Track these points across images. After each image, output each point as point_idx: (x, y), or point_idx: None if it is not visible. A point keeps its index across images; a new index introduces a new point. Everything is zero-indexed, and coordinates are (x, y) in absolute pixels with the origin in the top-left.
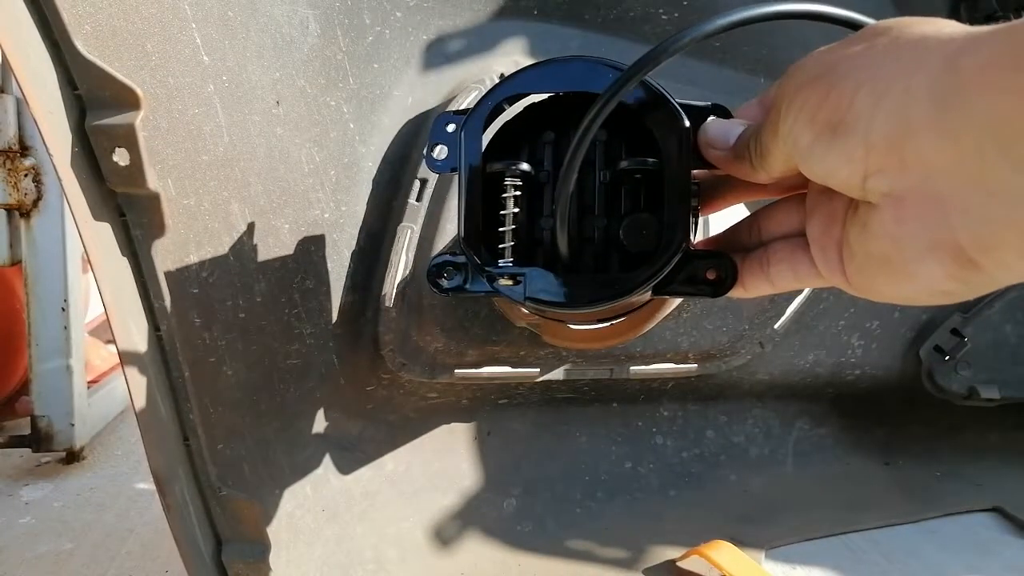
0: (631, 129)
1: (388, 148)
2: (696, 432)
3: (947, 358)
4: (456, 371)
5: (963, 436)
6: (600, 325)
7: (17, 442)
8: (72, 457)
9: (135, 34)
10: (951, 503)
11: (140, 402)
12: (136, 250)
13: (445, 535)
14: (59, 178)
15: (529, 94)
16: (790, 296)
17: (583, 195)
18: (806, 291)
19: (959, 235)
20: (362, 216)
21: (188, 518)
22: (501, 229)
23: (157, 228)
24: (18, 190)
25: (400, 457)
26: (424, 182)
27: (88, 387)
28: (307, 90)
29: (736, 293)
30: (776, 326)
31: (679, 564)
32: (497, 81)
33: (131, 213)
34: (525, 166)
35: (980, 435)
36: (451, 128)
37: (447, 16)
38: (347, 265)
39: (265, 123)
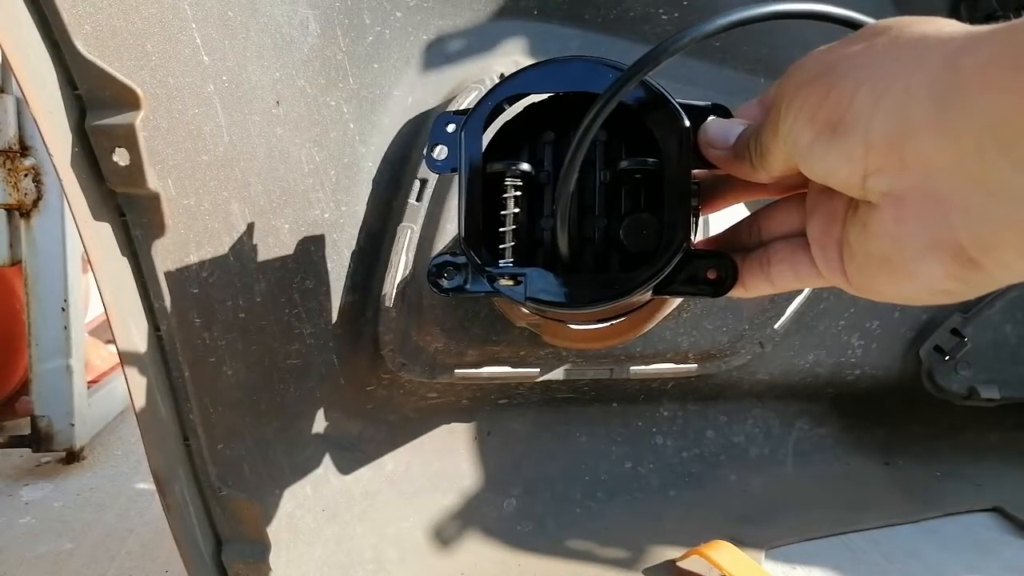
0: (631, 129)
1: (388, 148)
2: (696, 432)
3: (947, 358)
4: (456, 371)
5: (963, 436)
6: (600, 325)
7: (17, 442)
8: (72, 457)
9: (135, 34)
10: (951, 503)
11: (140, 402)
12: (136, 250)
13: (445, 535)
14: (59, 178)
15: (529, 94)
16: (790, 296)
17: (583, 195)
18: (806, 291)
19: (959, 234)
20: (362, 216)
21: (188, 518)
22: (501, 229)
23: (157, 228)
24: (18, 190)
25: (400, 457)
26: (424, 182)
27: (88, 387)
28: (307, 90)
29: (736, 293)
30: (776, 326)
31: (679, 564)
32: (497, 81)
33: (131, 213)
34: (525, 166)
35: (980, 435)
36: (451, 128)
37: (447, 16)
38: (347, 265)
39: (265, 123)
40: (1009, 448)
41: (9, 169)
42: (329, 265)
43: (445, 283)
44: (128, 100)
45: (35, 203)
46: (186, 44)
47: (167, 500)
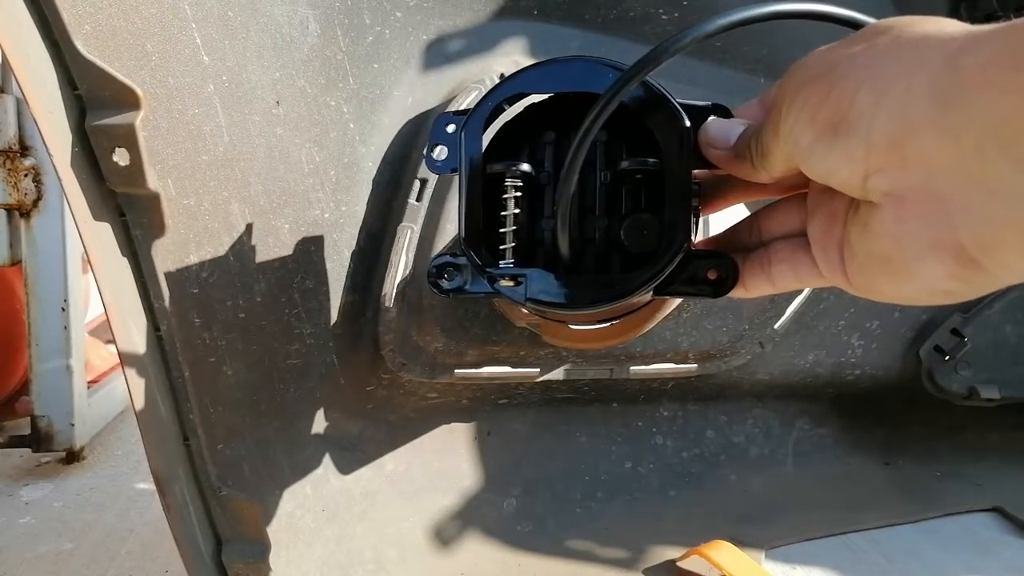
0: (632, 129)
1: (388, 148)
2: (696, 432)
3: (947, 358)
4: (456, 371)
5: (963, 436)
6: (600, 325)
7: (17, 442)
8: (72, 457)
9: (135, 34)
10: (951, 503)
11: (140, 402)
12: (136, 250)
13: (445, 535)
14: (59, 178)
15: (529, 94)
16: (790, 296)
17: (584, 196)
18: (806, 291)
19: (960, 234)
20: (362, 216)
21: (188, 518)
22: (502, 230)
23: (157, 228)
24: (18, 190)
25: (400, 457)
26: (424, 182)
27: (88, 387)
28: (307, 90)
29: (737, 293)
30: (776, 326)
31: (679, 564)
32: (497, 81)
33: (131, 213)
34: (526, 167)
35: (980, 435)
36: (451, 128)
37: (447, 16)
38: (347, 265)
39: (265, 123)
40: (1009, 448)
41: (9, 169)
42: (329, 265)
43: (445, 284)
44: (128, 100)
45: (35, 203)
46: (186, 44)
47: (167, 500)
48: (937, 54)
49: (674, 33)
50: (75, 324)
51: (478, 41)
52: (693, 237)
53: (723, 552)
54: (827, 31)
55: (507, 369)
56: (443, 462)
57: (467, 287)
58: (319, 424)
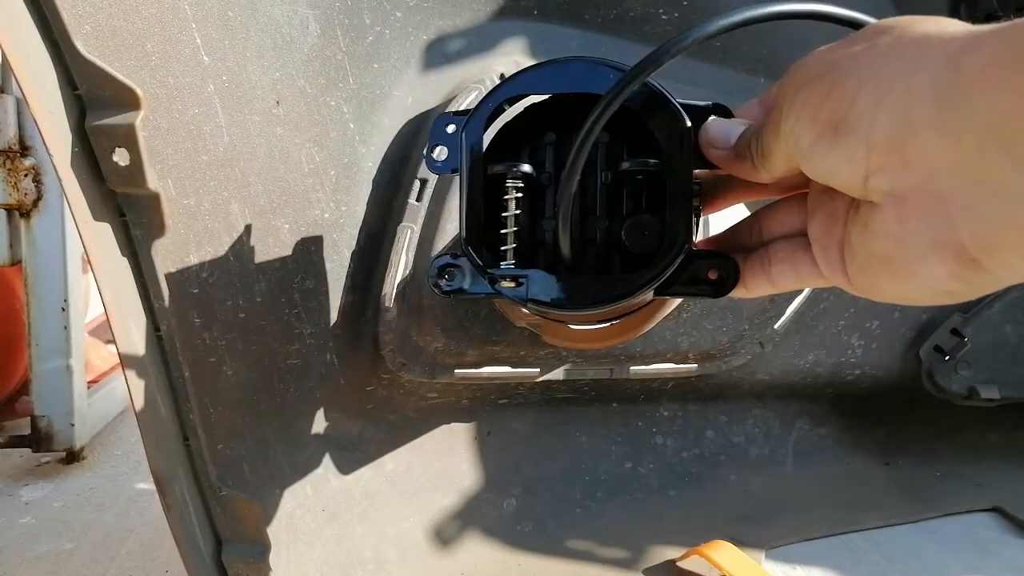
0: (632, 130)
1: (388, 148)
2: (696, 432)
3: (947, 358)
4: (456, 371)
5: (963, 436)
6: (600, 325)
7: (17, 442)
8: (72, 457)
9: (135, 34)
10: (951, 503)
11: (140, 402)
12: (136, 250)
13: (445, 535)
14: (59, 178)
15: (530, 95)
16: (790, 296)
17: (585, 196)
18: (806, 291)
19: (961, 234)
20: (362, 216)
21: (188, 518)
22: (503, 231)
23: (157, 228)
24: (18, 190)
25: (400, 457)
26: (424, 182)
27: (88, 387)
28: (307, 90)
29: (738, 293)
30: (776, 326)
31: (679, 564)
32: (497, 81)
33: (131, 213)
34: (527, 167)
35: (980, 435)
36: (451, 129)
37: (447, 16)
38: (347, 265)
39: (265, 123)
40: (1009, 448)
41: (9, 169)
42: (329, 265)
43: (446, 284)
44: (128, 100)
45: (35, 203)
46: (186, 44)
47: (167, 500)
48: (938, 54)
49: (674, 33)
50: (75, 324)
51: (478, 41)
52: (694, 237)
53: (723, 552)
54: (827, 31)
55: (507, 369)
56: (443, 462)
57: (467, 288)
58: (319, 424)
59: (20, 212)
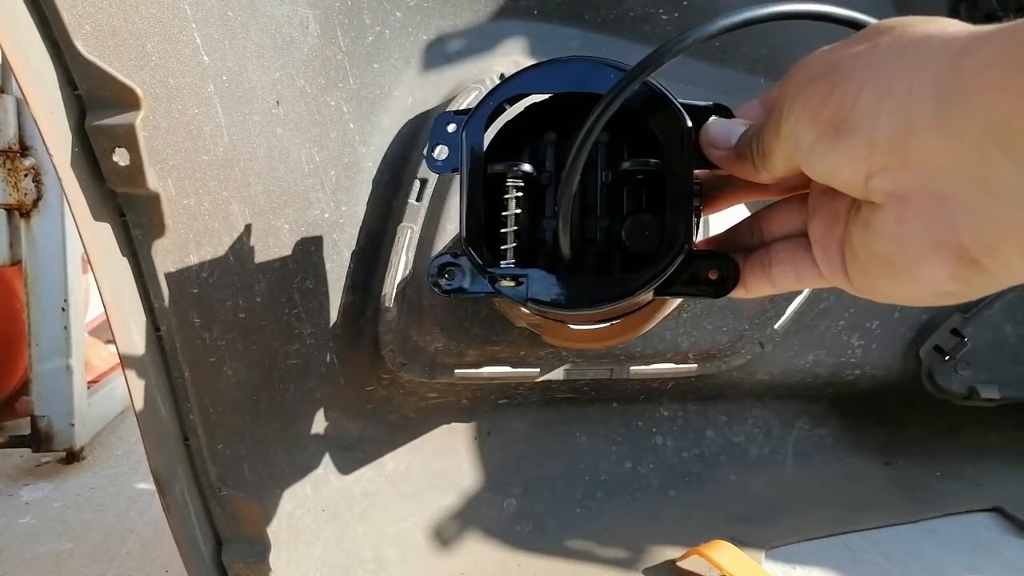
0: (633, 129)
1: (388, 148)
2: (696, 432)
3: (947, 358)
4: (456, 371)
5: (963, 436)
6: (600, 325)
7: (17, 442)
8: (72, 457)
9: (135, 34)
10: (951, 503)
11: (140, 402)
12: (136, 250)
13: (445, 535)
14: (59, 178)
15: (530, 94)
16: (790, 296)
17: (585, 196)
18: (806, 291)
19: (962, 235)
20: (362, 216)
21: (188, 518)
22: (503, 230)
23: (157, 228)
24: (18, 190)
25: (400, 457)
26: (424, 182)
27: (88, 387)
28: (307, 90)
29: (738, 294)
30: (776, 326)
31: (679, 564)
32: (497, 81)
33: (131, 213)
34: (527, 167)
35: (980, 435)
36: (452, 128)
37: (447, 16)
38: (347, 265)
39: (265, 123)
40: (1009, 448)
41: (9, 169)
42: (329, 265)
43: (446, 283)
44: (128, 100)
45: (35, 203)
46: (186, 44)
47: (167, 500)
48: (939, 54)
49: (674, 33)
50: (75, 324)
51: (478, 41)
52: (694, 237)
53: (723, 552)
54: (828, 31)
55: (507, 369)
56: (443, 462)
57: (467, 287)
58: (319, 424)
59: (20, 212)
